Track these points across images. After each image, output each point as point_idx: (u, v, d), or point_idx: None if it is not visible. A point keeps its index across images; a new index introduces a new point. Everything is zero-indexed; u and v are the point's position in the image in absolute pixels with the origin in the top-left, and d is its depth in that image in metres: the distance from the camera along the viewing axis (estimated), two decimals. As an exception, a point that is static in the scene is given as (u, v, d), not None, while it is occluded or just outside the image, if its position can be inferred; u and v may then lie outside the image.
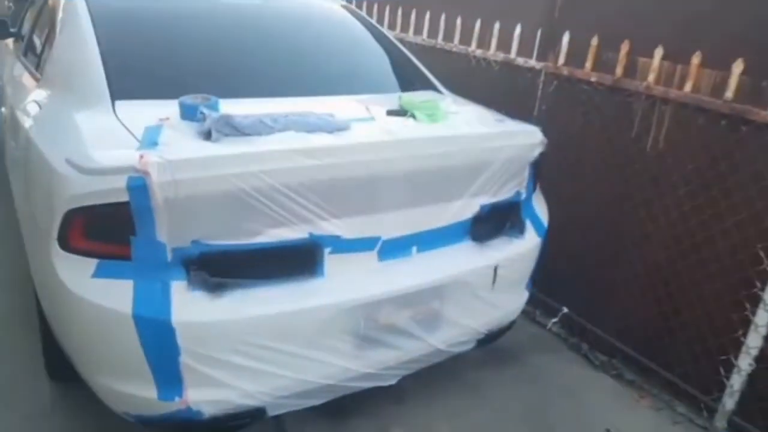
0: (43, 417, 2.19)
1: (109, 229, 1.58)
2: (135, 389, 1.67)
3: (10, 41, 3.77)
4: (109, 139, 1.70)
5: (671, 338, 2.61)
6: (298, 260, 1.78)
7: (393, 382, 2.08)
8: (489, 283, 2.15)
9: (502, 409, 2.47)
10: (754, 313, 2.27)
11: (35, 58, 2.70)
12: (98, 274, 1.59)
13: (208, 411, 1.71)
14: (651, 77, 2.55)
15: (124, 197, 1.52)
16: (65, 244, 1.59)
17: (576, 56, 2.89)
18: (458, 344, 2.18)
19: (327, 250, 1.81)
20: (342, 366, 1.88)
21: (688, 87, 2.42)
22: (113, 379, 1.70)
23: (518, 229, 2.28)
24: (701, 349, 2.49)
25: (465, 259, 2.10)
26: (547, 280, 2.82)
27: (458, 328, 2.13)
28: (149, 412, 1.73)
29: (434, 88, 2.72)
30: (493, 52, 3.39)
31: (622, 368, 2.80)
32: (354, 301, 1.83)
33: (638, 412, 2.56)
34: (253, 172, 1.60)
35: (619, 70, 2.68)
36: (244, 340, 1.67)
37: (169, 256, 1.61)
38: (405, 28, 4.16)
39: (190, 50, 2.36)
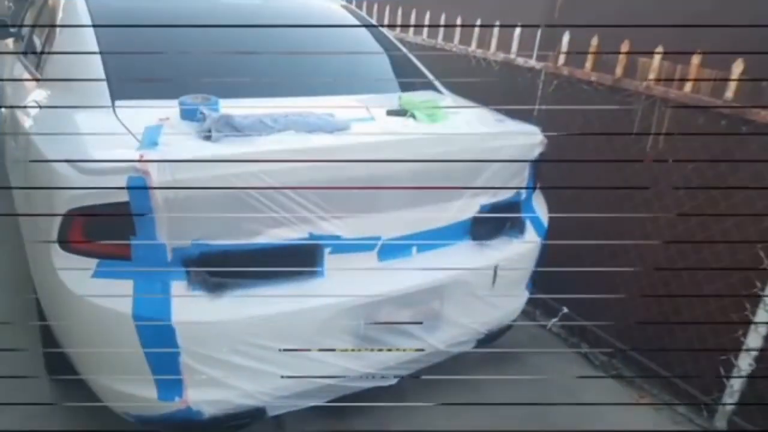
0: (44, 417, 2.19)
1: (109, 229, 1.58)
2: (135, 389, 1.67)
3: (10, 41, 3.77)
4: (109, 139, 1.71)
5: (671, 338, 2.61)
6: (298, 260, 1.78)
7: (393, 382, 2.08)
8: (489, 283, 2.15)
9: (502, 409, 2.47)
10: (754, 313, 2.27)
11: (35, 58, 2.70)
12: (98, 274, 1.59)
13: (208, 411, 1.71)
14: (651, 77, 2.55)
15: (124, 197, 1.52)
16: (65, 244, 1.59)
17: (576, 56, 2.89)
18: (458, 344, 2.18)
19: (327, 250, 1.81)
20: (342, 366, 1.88)
21: (688, 87, 2.42)
22: (113, 379, 1.70)
23: (518, 229, 2.28)
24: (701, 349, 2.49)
25: (465, 259, 2.10)
26: (547, 280, 2.82)
27: (458, 328, 2.13)
28: (149, 412, 1.73)
29: (434, 88, 2.72)
30: (493, 52, 3.39)
31: (622, 368, 2.80)
32: (354, 301, 1.83)
33: (638, 412, 2.56)
34: (253, 172, 1.60)
35: (619, 70, 2.68)
36: (244, 340, 1.67)
37: (169, 256, 1.61)
38: (405, 28, 4.16)
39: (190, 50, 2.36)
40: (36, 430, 2.14)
